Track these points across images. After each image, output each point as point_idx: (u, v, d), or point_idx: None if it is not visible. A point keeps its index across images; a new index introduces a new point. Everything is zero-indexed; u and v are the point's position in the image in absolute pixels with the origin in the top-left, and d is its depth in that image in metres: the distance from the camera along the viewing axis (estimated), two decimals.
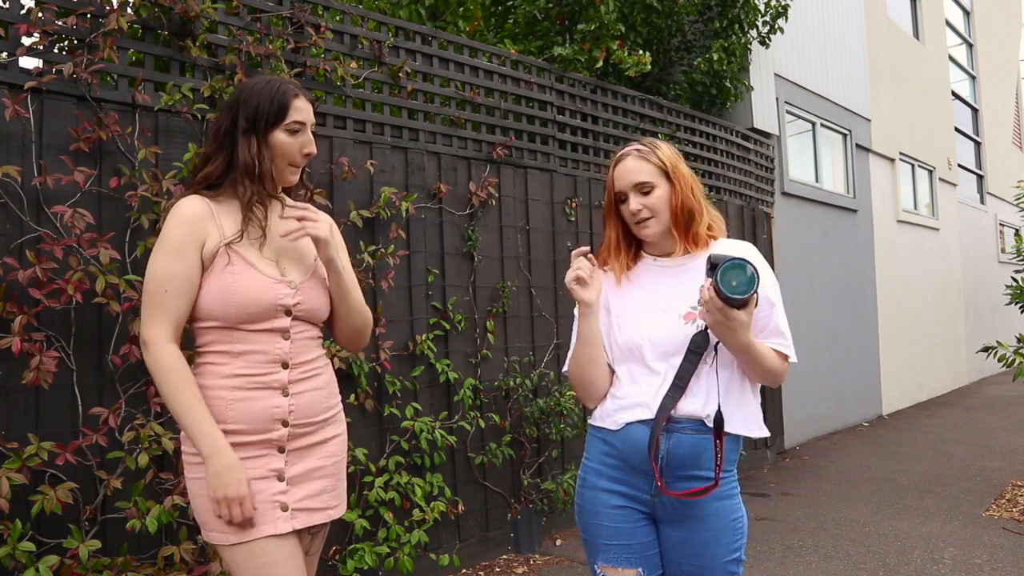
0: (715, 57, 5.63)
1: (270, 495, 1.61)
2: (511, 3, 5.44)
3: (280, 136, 1.68)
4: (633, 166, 1.69)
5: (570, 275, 1.71)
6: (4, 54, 2.52)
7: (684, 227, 1.71)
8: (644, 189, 1.68)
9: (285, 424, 1.64)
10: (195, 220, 1.63)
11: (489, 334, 4.02)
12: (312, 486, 1.68)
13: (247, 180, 1.67)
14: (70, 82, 2.59)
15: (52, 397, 2.49)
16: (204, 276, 1.63)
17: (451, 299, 3.82)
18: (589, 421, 1.77)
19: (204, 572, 2.63)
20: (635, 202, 1.68)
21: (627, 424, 1.64)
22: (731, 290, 1.45)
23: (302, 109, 1.69)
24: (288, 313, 1.66)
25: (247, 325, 1.62)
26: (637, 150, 1.72)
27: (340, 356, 3.18)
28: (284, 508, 1.62)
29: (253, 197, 1.67)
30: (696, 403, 1.60)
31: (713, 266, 1.49)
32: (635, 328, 1.68)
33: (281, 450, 1.64)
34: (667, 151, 1.75)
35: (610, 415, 1.69)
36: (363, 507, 3.28)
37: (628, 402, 1.66)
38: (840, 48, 7.93)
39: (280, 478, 1.63)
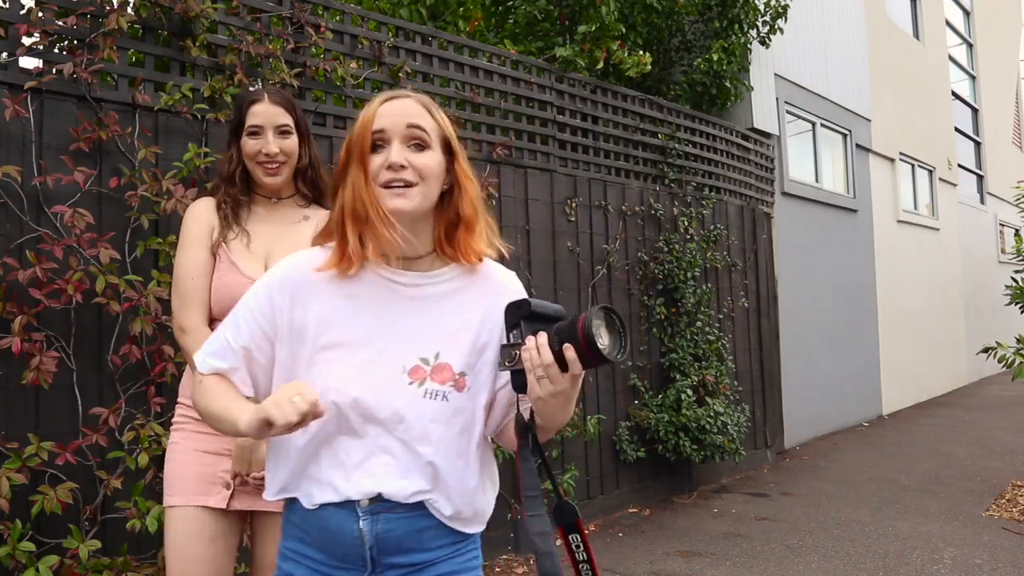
0: (715, 57, 5.64)
1: (219, 470, 1.74)
2: (511, 3, 5.44)
3: (245, 140, 1.85)
4: (414, 109, 1.23)
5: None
6: (4, 54, 2.52)
7: (456, 220, 1.25)
8: (417, 139, 1.21)
9: None
10: (203, 217, 1.83)
11: None
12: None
13: (222, 182, 1.88)
14: (70, 82, 2.59)
15: (52, 397, 2.49)
16: None
17: None
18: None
19: None
20: (399, 153, 1.17)
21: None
22: (609, 350, 1.07)
23: (259, 113, 1.84)
24: None
25: None
26: (418, 99, 1.27)
27: None
28: (227, 487, 1.74)
29: (224, 197, 1.85)
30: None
31: (548, 318, 1.14)
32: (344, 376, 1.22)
33: None
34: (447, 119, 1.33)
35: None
36: None
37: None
38: (840, 48, 7.93)
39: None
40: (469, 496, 1.24)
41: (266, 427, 1.09)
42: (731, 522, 4.47)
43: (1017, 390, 9.66)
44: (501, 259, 1.31)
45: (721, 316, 5.67)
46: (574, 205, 4.59)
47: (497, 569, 3.76)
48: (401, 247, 1.21)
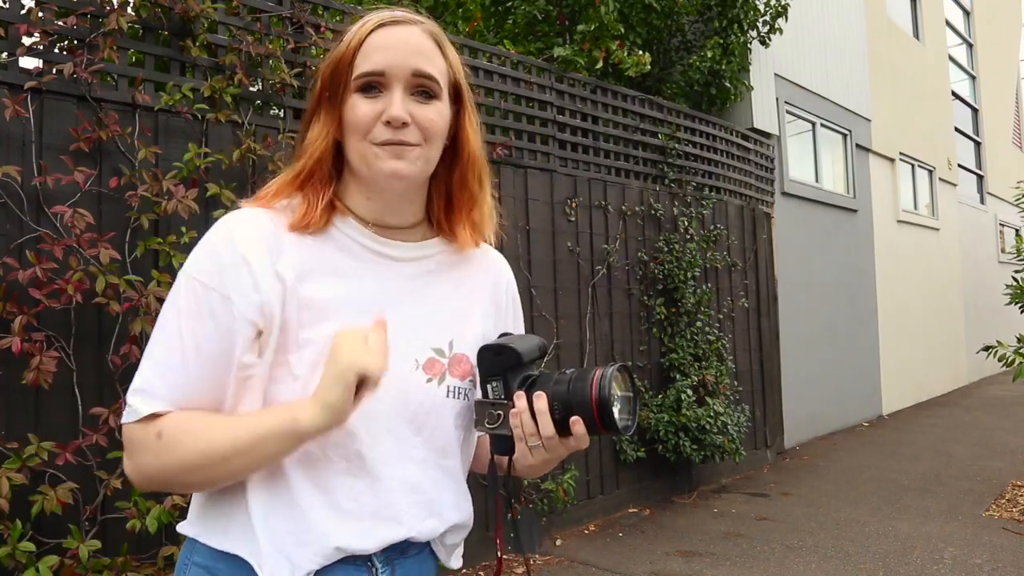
0: (709, 55, 5.63)
1: None
2: (510, 4, 5.44)
3: None
4: (424, 45, 0.93)
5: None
6: (4, 54, 2.52)
7: (457, 192, 1.01)
8: (424, 87, 0.92)
9: None
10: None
11: None
12: None
13: None
14: (70, 82, 2.59)
15: (52, 397, 2.49)
16: None
17: None
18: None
19: None
20: (402, 105, 0.90)
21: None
22: (623, 422, 0.91)
23: None
24: None
25: None
26: (428, 28, 0.96)
27: None
28: None
29: None
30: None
31: (532, 362, 0.95)
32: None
33: None
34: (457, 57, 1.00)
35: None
36: None
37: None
38: (840, 48, 7.93)
39: None
40: (468, 516, 1.04)
41: (351, 397, 0.82)
42: (731, 522, 4.47)
43: (1017, 390, 9.66)
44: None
45: (721, 316, 5.67)
46: (574, 205, 4.59)
47: None
48: (384, 215, 0.96)
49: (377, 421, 0.91)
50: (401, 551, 0.95)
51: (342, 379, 0.81)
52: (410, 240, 0.99)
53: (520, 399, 0.90)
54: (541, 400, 0.89)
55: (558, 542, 4.16)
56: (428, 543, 0.99)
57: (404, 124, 0.90)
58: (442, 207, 1.01)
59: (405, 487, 0.93)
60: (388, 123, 0.90)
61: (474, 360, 0.98)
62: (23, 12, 2.56)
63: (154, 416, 0.86)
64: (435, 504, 0.96)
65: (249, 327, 0.87)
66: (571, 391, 0.88)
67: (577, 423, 0.87)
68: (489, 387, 0.93)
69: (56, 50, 2.73)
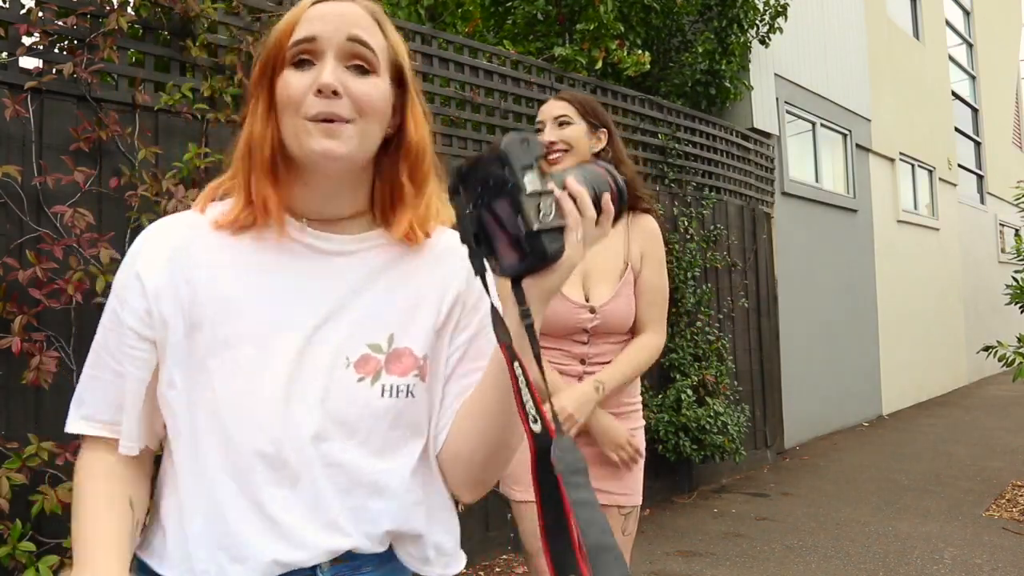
0: (700, 50, 5.62)
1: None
2: (510, 4, 5.44)
3: None
4: (359, 16, 0.88)
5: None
6: (4, 54, 2.52)
7: (401, 184, 0.93)
8: (360, 58, 0.86)
9: None
10: None
11: None
12: (596, 470, 1.83)
13: None
14: (70, 82, 2.59)
15: (52, 397, 2.49)
16: None
17: None
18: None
19: None
20: (334, 72, 0.84)
21: None
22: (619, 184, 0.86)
23: (542, 111, 1.96)
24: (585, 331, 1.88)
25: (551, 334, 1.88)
26: (365, 5, 0.91)
27: None
28: None
29: None
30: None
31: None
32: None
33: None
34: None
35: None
36: None
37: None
38: (840, 48, 7.93)
39: None
40: (447, 523, 0.96)
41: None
42: (731, 522, 4.47)
43: (1017, 390, 9.66)
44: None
45: (721, 316, 5.67)
46: None
47: (497, 569, 3.76)
48: (320, 205, 0.90)
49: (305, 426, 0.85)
50: (355, 566, 0.88)
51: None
52: (349, 232, 0.92)
53: (572, 184, 0.79)
54: (574, 181, 0.79)
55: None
56: (393, 552, 0.92)
57: (335, 93, 0.83)
58: (387, 198, 0.93)
59: (340, 493, 0.86)
60: (319, 92, 0.83)
61: (420, 353, 0.91)
62: (23, 12, 2.55)
63: (90, 438, 0.93)
64: (372, 513, 0.87)
65: (135, 338, 0.87)
66: (584, 170, 0.83)
67: (607, 198, 0.81)
68: (527, 178, 0.79)
69: (56, 50, 2.73)
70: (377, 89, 0.86)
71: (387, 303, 0.91)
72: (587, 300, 1.86)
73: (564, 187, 0.78)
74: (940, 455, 6.25)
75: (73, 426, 0.93)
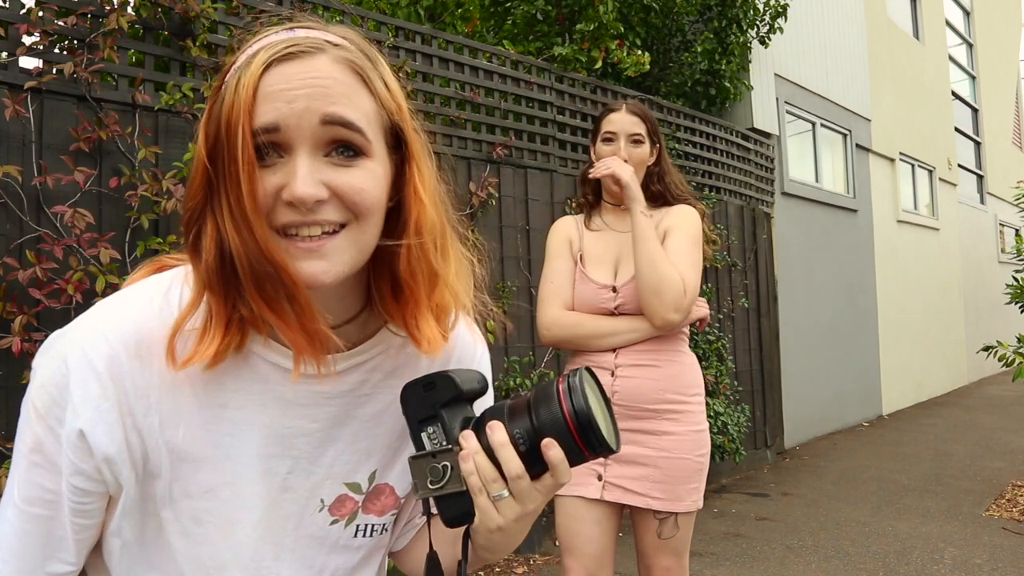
0: (699, 49, 5.62)
1: (589, 464, 1.84)
2: (509, 4, 5.44)
3: (600, 146, 1.99)
4: (331, 80, 0.68)
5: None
6: (4, 54, 2.53)
7: (409, 275, 0.73)
8: (343, 141, 0.67)
9: None
10: (559, 231, 2.05)
11: (489, 334, 4.01)
12: (632, 470, 1.86)
13: (580, 185, 2.11)
14: (70, 82, 2.59)
15: None
16: None
17: None
18: None
19: None
20: (310, 177, 0.65)
21: None
22: (610, 435, 0.68)
23: (614, 121, 1.97)
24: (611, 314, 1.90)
25: None
26: (338, 55, 0.71)
27: None
28: (599, 478, 1.88)
29: (580, 199, 2.11)
30: None
31: (473, 396, 0.74)
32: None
33: None
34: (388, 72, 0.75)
35: None
36: None
37: None
38: (840, 48, 7.93)
39: None
40: None
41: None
42: (731, 522, 4.47)
43: (1017, 390, 9.66)
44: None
45: (721, 316, 5.67)
46: (574, 205, 4.57)
47: (497, 569, 3.76)
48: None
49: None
50: None
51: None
52: (344, 338, 0.75)
53: (468, 438, 0.67)
54: (497, 431, 0.66)
55: (558, 542, 4.16)
56: None
57: (318, 202, 0.64)
58: (388, 293, 0.73)
59: None
60: (291, 204, 0.64)
61: (401, 493, 0.82)
62: (23, 12, 2.56)
63: None
64: None
65: (80, 493, 0.71)
66: (534, 413, 0.66)
67: (551, 446, 0.65)
68: (424, 435, 0.70)
69: (56, 50, 2.73)
70: (371, 178, 0.67)
71: (373, 433, 0.79)
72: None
73: (460, 446, 0.67)
74: (940, 455, 6.25)
75: None
